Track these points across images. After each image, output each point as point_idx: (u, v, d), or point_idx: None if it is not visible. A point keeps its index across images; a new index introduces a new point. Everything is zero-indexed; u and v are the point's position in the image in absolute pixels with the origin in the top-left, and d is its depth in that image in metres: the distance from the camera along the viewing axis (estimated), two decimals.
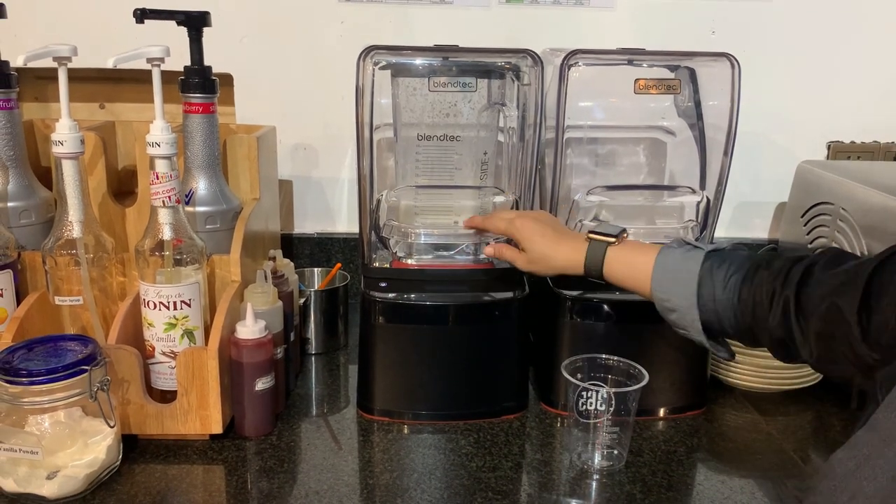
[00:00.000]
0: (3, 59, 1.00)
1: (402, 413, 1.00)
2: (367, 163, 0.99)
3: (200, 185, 1.02)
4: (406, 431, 0.98)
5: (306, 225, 1.37)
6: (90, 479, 0.82)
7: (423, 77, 1.02)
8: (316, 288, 1.24)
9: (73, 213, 0.91)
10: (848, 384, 1.07)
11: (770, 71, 1.31)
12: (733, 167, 1.02)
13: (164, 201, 0.89)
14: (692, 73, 1.06)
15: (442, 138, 1.04)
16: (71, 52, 0.89)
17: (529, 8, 1.25)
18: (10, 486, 0.80)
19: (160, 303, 0.90)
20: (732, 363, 1.08)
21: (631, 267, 0.83)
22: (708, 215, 1.05)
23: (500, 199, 1.07)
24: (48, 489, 0.79)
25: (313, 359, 1.18)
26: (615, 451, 0.91)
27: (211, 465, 0.89)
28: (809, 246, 1.22)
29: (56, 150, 0.89)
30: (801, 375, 1.08)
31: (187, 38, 0.99)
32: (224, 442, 0.93)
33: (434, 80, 1.02)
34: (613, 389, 0.89)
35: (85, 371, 0.81)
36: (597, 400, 0.88)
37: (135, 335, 0.93)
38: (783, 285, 0.72)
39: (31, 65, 0.85)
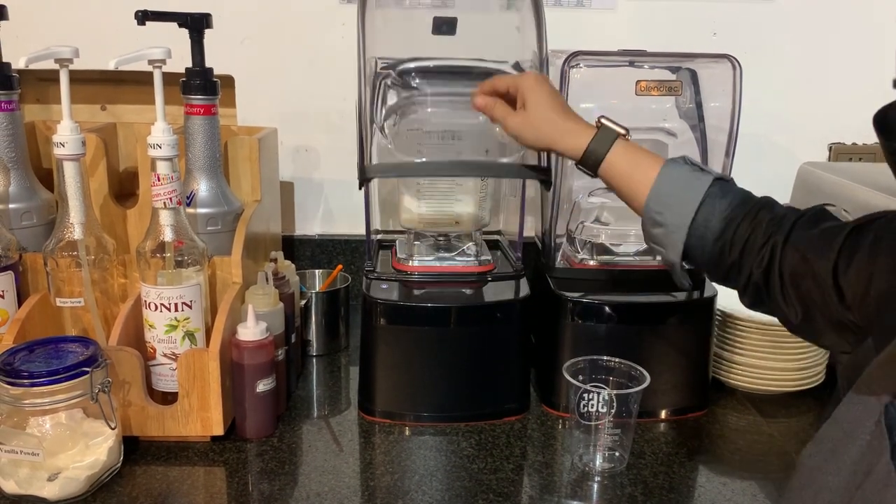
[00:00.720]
0: (4, 60, 1.00)
1: (404, 415, 0.99)
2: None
3: (202, 187, 1.02)
4: (407, 433, 0.98)
5: (307, 226, 1.37)
6: (91, 480, 0.82)
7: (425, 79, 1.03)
8: (317, 289, 1.24)
9: (75, 214, 0.91)
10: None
11: (771, 72, 1.31)
12: (735, 168, 1.02)
13: (165, 203, 0.89)
14: (693, 75, 1.06)
15: (444, 139, 1.04)
16: (72, 53, 0.89)
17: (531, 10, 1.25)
18: (12, 487, 0.80)
19: (161, 304, 0.90)
20: (734, 365, 1.08)
21: (634, 166, 0.79)
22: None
23: None
24: (49, 491, 0.79)
25: (314, 360, 1.18)
26: (616, 453, 0.91)
27: (212, 467, 0.89)
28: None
29: (57, 151, 0.89)
30: (803, 377, 1.08)
31: (188, 40, 0.99)
32: (225, 444, 0.93)
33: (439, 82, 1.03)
34: (615, 391, 0.88)
35: (86, 373, 0.81)
36: (598, 402, 0.88)
37: (136, 337, 0.93)
38: (777, 232, 0.70)
39: (32, 66, 0.85)
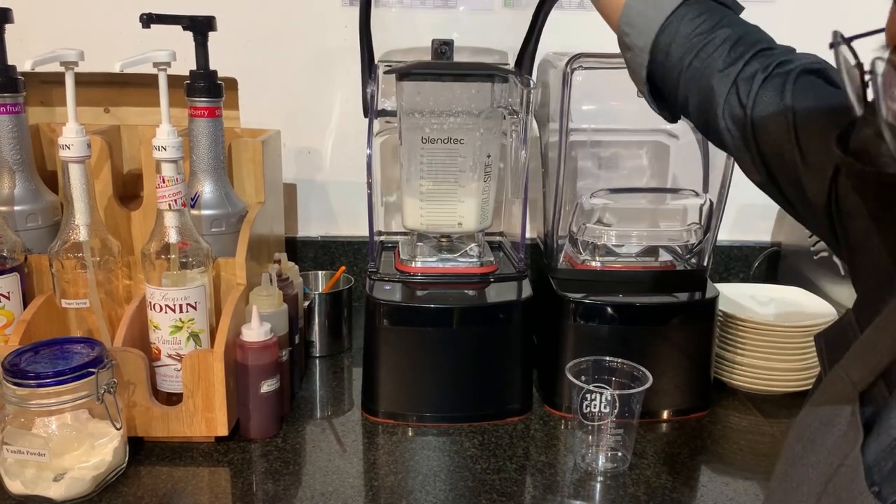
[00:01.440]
0: (9, 63, 1.01)
1: (407, 415, 1.00)
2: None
3: (206, 189, 1.02)
4: (410, 434, 0.98)
5: (310, 228, 1.38)
6: (97, 481, 0.82)
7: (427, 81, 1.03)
8: (320, 291, 1.24)
9: (80, 216, 0.92)
10: None
11: None
12: (736, 169, 1.02)
13: (170, 205, 0.89)
14: None
15: (446, 141, 1.05)
16: (78, 56, 0.89)
17: (532, 11, 1.26)
18: (18, 487, 0.80)
19: (166, 306, 0.91)
20: (736, 365, 1.08)
21: None
22: (711, 218, 1.05)
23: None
24: (55, 491, 0.80)
25: (317, 362, 1.18)
26: (619, 454, 0.91)
27: (216, 468, 0.89)
28: (812, 249, 1.22)
29: (63, 153, 0.90)
30: (805, 378, 1.08)
31: (192, 43, 1.00)
32: (229, 444, 0.93)
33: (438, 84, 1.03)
34: (617, 392, 0.89)
35: (92, 373, 0.81)
36: (601, 402, 0.89)
37: (141, 338, 0.94)
38: (774, 75, 0.62)
39: (37, 69, 0.86)
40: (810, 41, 1.36)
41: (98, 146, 1.04)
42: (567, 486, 0.88)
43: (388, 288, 1.03)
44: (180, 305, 0.91)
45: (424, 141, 1.05)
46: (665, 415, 1.04)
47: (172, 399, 0.93)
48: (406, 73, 1.03)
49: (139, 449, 0.91)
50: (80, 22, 1.25)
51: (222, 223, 1.03)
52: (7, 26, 1.00)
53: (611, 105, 1.13)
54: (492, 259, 1.09)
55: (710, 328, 1.04)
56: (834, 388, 0.51)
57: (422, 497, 0.84)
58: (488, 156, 1.07)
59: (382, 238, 1.22)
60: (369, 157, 1.01)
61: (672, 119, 0.74)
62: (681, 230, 1.08)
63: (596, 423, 0.90)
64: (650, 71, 0.70)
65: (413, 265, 1.07)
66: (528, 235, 1.09)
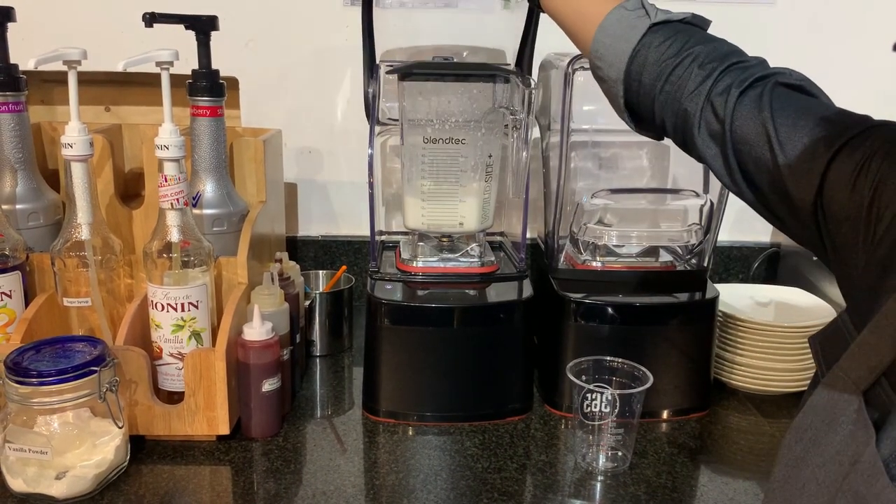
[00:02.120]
0: (12, 62, 1.01)
1: (408, 415, 1.00)
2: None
3: (208, 188, 1.02)
4: (411, 433, 0.98)
5: (311, 228, 1.38)
6: (98, 479, 0.82)
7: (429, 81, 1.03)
8: (321, 290, 1.25)
9: (82, 215, 0.92)
10: None
11: None
12: None
13: (172, 203, 0.89)
14: None
15: (447, 141, 1.05)
16: (80, 55, 0.90)
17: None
18: (20, 486, 0.81)
19: (168, 304, 0.91)
20: (736, 365, 1.09)
21: (578, 6, 0.73)
22: (711, 219, 1.06)
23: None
24: (57, 489, 0.80)
25: (318, 361, 1.18)
26: (619, 453, 0.92)
27: (218, 466, 0.89)
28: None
29: (65, 152, 0.90)
30: (805, 378, 1.08)
31: (194, 42, 1.00)
32: (231, 443, 0.93)
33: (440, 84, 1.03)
34: (618, 391, 0.89)
35: (94, 372, 0.81)
36: (601, 402, 0.89)
37: (142, 337, 0.94)
38: (707, 96, 0.63)
39: (39, 68, 0.86)
40: (809, 41, 1.36)
41: (100, 145, 1.04)
42: (567, 486, 0.89)
43: (389, 287, 1.03)
44: (182, 304, 0.91)
45: (426, 141, 1.05)
46: (665, 415, 1.04)
47: (174, 398, 0.93)
48: (408, 73, 1.03)
49: (141, 447, 0.91)
50: (83, 21, 1.25)
51: (224, 222, 1.03)
52: (9, 25, 1.00)
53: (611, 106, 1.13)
54: (493, 259, 1.10)
55: (710, 328, 1.05)
56: (834, 389, 0.52)
57: (422, 496, 0.85)
58: (489, 156, 1.07)
59: (383, 238, 1.22)
60: (371, 157, 1.01)
61: (658, 138, 0.75)
62: (681, 231, 1.09)
63: (596, 423, 0.90)
64: (627, 99, 0.71)
65: (414, 265, 1.07)
66: (528, 235, 1.09)
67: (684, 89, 0.65)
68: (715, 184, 1.07)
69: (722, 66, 0.64)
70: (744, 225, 1.40)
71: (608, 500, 0.86)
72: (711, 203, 1.06)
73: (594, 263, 1.08)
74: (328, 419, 1.02)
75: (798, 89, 0.63)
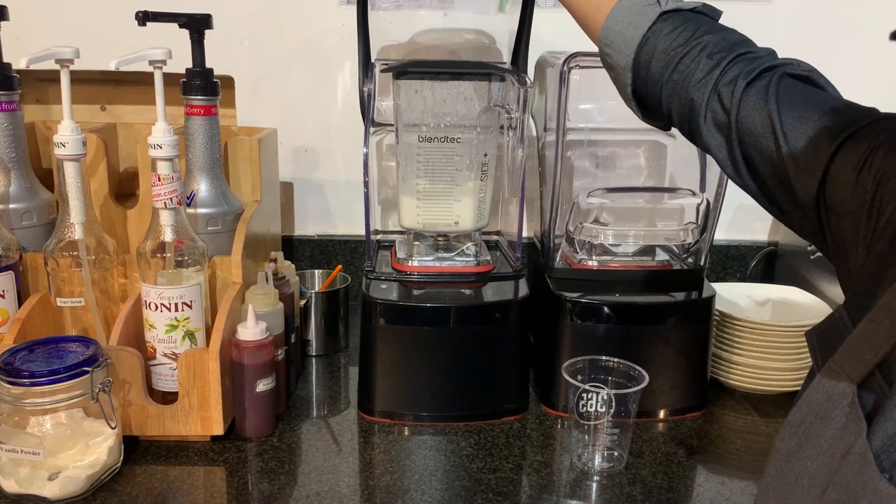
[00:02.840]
0: (5, 61, 1.00)
1: (403, 414, 1.00)
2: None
3: (202, 187, 1.02)
4: (407, 433, 0.98)
5: (307, 227, 1.37)
6: (91, 480, 0.82)
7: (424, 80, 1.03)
8: (316, 290, 1.24)
9: (75, 214, 0.92)
10: None
11: None
12: None
13: (165, 203, 0.89)
14: None
15: (442, 140, 1.05)
16: (73, 54, 0.89)
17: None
18: (12, 486, 0.80)
19: (161, 304, 0.91)
20: (733, 365, 1.08)
21: None
22: (708, 217, 1.06)
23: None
24: (49, 490, 0.80)
25: (314, 360, 1.18)
26: (615, 453, 0.91)
27: (212, 467, 0.89)
28: (809, 248, 1.22)
29: (58, 151, 0.89)
30: (802, 377, 1.08)
31: (189, 41, 0.99)
32: (225, 443, 0.93)
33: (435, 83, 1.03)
34: (614, 391, 0.89)
35: (86, 372, 0.81)
36: (597, 402, 0.89)
37: (136, 337, 0.93)
38: (714, 88, 0.63)
39: (32, 67, 0.85)
40: (807, 39, 1.36)
41: (94, 144, 1.04)
42: (563, 486, 0.88)
43: (384, 287, 1.02)
44: (176, 304, 0.91)
45: (421, 140, 1.05)
46: (661, 414, 1.03)
47: (168, 398, 0.93)
48: (403, 71, 1.03)
49: (134, 448, 0.90)
50: (77, 19, 1.25)
51: (218, 222, 1.02)
52: (3, 24, 0.99)
53: (608, 104, 1.13)
54: (488, 258, 1.09)
55: (706, 328, 1.04)
56: (829, 383, 0.52)
57: (418, 496, 0.84)
58: (485, 155, 1.06)
59: (379, 237, 1.22)
60: (366, 156, 1.01)
61: (665, 128, 0.75)
62: (678, 230, 1.08)
63: (592, 423, 0.89)
64: (635, 87, 0.71)
65: (410, 264, 1.07)
66: (524, 234, 1.09)
67: (692, 78, 0.65)
68: (712, 182, 1.06)
69: (730, 55, 0.64)
70: (741, 224, 1.39)
71: (604, 501, 0.86)
72: (708, 202, 1.06)
73: (590, 262, 1.07)
74: (323, 419, 1.01)
75: (806, 80, 0.63)
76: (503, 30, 1.27)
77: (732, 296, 1.16)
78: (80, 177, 0.91)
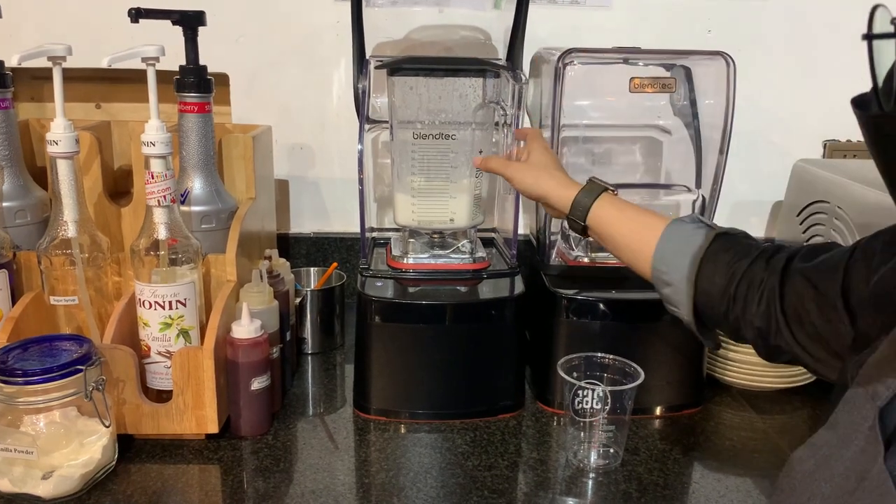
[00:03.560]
0: None
1: (399, 412, 1.00)
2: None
3: (196, 185, 1.01)
4: (402, 430, 0.98)
5: (302, 224, 1.37)
6: (86, 479, 0.82)
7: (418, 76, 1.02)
8: (312, 287, 1.24)
9: (69, 212, 0.91)
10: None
11: (766, 69, 1.31)
12: (729, 165, 1.02)
13: (159, 201, 0.89)
14: (688, 72, 1.07)
15: (437, 137, 1.04)
16: (65, 51, 0.89)
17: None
18: (6, 486, 0.80)
19: (155, 302, 0.90)
20: (729, 361, 1.08)
21: (625, 219, 0.80)
22: (704, 214, 1.05)
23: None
24: (43, 489, 0.79)
25: (309, 358, 1.18)
26: (611, 450, 0.91)
27: (207, 465, 0.89)
28: (805, 244, 1.22)
29: (51, 149, 0.89)
30: (797, 374, 1.08)
31: (183, 38, 0.99)
32: (220, 441, 0.93)
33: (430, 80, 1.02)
34: (609, 388, 0.89)
35: (80, 371, 0.81)
36: (593, 398, 0.88)
37: (130, 335, 0.93)
38: (771, 273, 0.70)
39: (26, 64, 0.85)
40: (804, 38, 1.35)
41: (87, 142, 1.03)
42: (559, 483, 0.88)
43: (379, 284, 1.02)
44: (170, 302, 0.90)
45: (416, 137, 1.05)
46: (657, 411, 1.03)
47: (162, 396, 0.93)
48: (397, 68, 1.02)
49: (129, 446, 0.90)
50: (70, 17, 1.24)
51: (212, 219, 1.02)
52: None
53: (603, 100, 1.13)
54: (484, 255, 1.09)
55: None
56: (853, 407, 0.52)
57: (413, 494, 0.84)
58: (480, 151, 1.06)
59: (374, 234, 1.22)
60: (361, 153, 1.00)
61: (716, 347, 0.82)
62: None
63: (588, 420, 0.89)
64: (696, 303, 0.75)
65: (405, 261, 1.06)
66: (520, 231, 1.09)
67: (753, 292, 0.71)
68: (707, 179, 1.06)
69: (779, 262, 0.71)
70: (737, 219, 1.39)
71: (599, 498, 0.86)
72: (704, 198, 1.05)
73: (586, 259, 1.07)
74: (319, 417, 1.01)
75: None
76: (498, 26, 1.27)
77: None
78: (74, 175, 0.91)
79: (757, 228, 1.41)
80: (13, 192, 1.02)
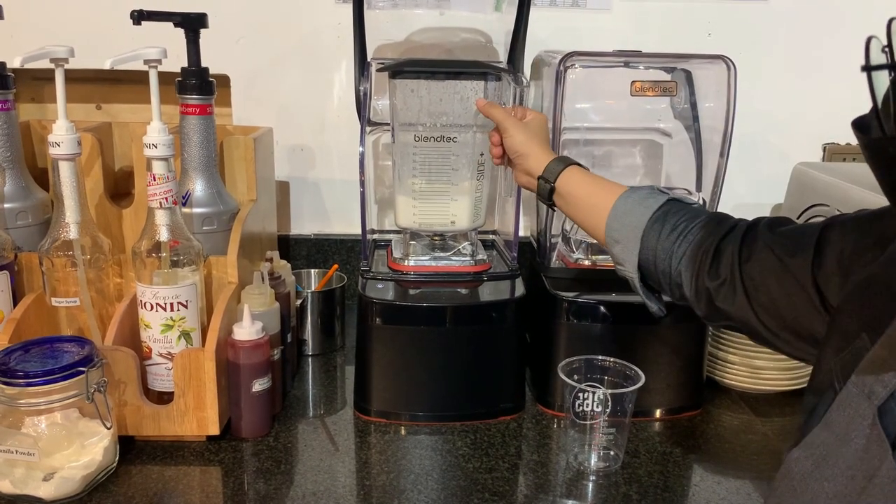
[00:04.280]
0: None
1: (399, 414, 1.00)
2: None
3: (197, 187, 1.02)
4: (403, 433, 0.98)
5: (303, 226, 1.37)
6: (87, 480, 0.82)
7: (420, 79, 1.03)
8: (313, 289, 1.24)
9: (70, 214, 0.91)
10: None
11: (766, 73, 1.32)
12: (729, 169, 1.03)
13: (160, 203, 0.89)
14: (688, 75, 1.07)
15: (439, 139, 1.05)
16: (67, 53, 0.89)
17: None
18: (7, 487, 0.80)
19: (157, 304, 0.90)
20: (729, 364, 1.08)
21: (591, 183, 0.84)
22: None
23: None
24: (45, 491, 0.79)
25: (310, 360, 1.18)
26: (611, 452, 0.91)
27: (208, 467, 0.89)
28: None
29: (53, 151, 0.89)
30: (797, 377, 1.08)
31: (184, 40, 0.99)
32: (221, 443, 0.93)
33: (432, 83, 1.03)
34: (610, 391, 0.89)
35: (82, 372, 0.81)
36: (593, 401, 0.89)
37: (132, 336, 0.93)
38: (732, 238, 0.71)
39: (28, 66, 0.85)
40: (804, 41, 1.35)
41: (89, 143, 1.03)
42: (559, 485, 0.88)
43: (380, 286, 1.02)
44: (171, 304, 0.91)
45: (417, 139, 1.05)
46: (657, 414, 1.04)
47: (163, 398, 0.93)
48: (399, 70, 1.03)
49: (130, 448, 0.90)
50: (72, 18, 1.24)
51: (214, 221, 1.02)
52: None
53: (604, 103, 1.13)
54: (485, 257, 1.09)
55: (702, 327, 1.04)
56: (849, 404, 0.52)
57: (414, 496, 0.84)
58: (481, 154, 1.06)
59: (375, 236, 1.22)
60: (362, 155, 1.01)
61: (662, 313, 0.85)
62: None
63: (588, 422, 0.89)
64: (641, 260, 0.79)
65: (406, 264, 1.06)
66: (521, 234, 1.09)
67: (703, 251, 0.73)
68: (708, 182, 1.06)
69: (740, 231, 0.72)
70: None
71: (600, 500, 0.86)
72: (704, 201, 1.06)
73: (587, 262, 1.07)
74: (320, 419, 1.01)
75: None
76: (499, 29, 1.27)
77: None
78: (75, 176, 0.91)
79: None
80: (14, 194, 1.02)
